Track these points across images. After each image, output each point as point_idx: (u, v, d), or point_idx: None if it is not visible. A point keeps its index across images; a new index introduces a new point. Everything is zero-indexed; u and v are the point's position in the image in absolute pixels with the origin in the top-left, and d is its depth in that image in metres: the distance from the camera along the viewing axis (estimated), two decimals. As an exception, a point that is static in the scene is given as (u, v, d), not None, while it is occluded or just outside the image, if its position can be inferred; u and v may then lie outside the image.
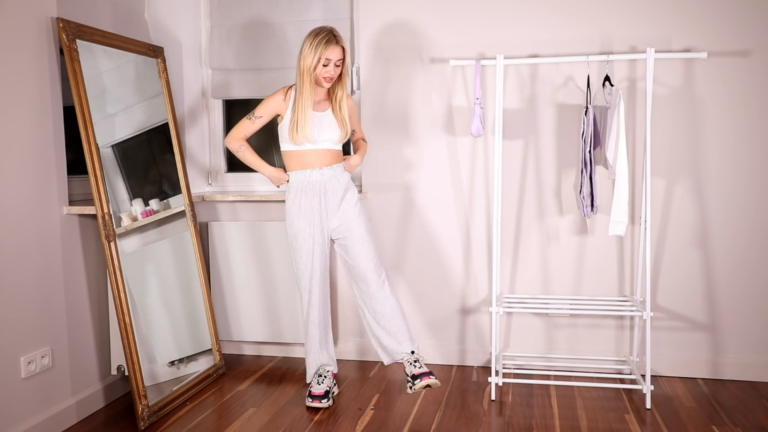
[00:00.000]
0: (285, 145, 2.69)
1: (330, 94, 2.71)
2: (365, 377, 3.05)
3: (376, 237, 3.10)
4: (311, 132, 2.62)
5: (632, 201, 2.96)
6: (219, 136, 3.51)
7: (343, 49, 2.59)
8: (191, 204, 3.08)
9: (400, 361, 2.70)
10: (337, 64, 2.58)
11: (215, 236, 3.34)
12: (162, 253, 2.89)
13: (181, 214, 3.03)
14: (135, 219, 2.71)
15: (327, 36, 2.55)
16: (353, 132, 2.82)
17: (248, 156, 2.75)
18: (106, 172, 2.55)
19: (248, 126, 2.73)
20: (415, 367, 2.62)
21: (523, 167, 3.07)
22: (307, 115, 2.60)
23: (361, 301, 2.74)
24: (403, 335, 2.69)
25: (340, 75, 2.65)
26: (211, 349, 3.09)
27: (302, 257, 2.69)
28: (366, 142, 2.90)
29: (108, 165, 2.60)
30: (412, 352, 2.69)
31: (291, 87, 2.68)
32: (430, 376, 2.56)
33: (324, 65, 2.56)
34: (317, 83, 2.62)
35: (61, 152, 2.53)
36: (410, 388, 2.59)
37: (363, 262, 2.68)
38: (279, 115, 2.70)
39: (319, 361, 2.79)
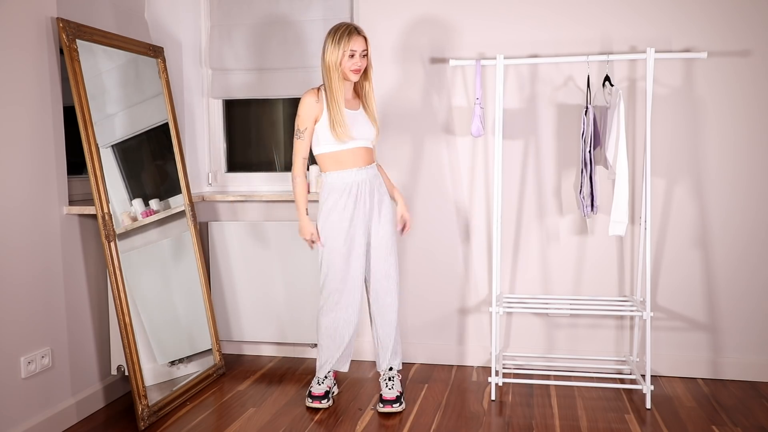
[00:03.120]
0: (321, 147, 2.64)
1: (357, 92, 2.68)
2: (365, 377, 3.05)
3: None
4: (351, 128, 2.58)
5: (632, 201, 2.96)
6: (219, 136, 3.51)
7: (366, 41, 2.58)
8: (191, 204, 3.08)
9: (379, 372, 2.78)
10: (363, 54, 2.57)
11: (215, 236, 3.33)
12: (162, 253, 2.89)
13: (181, 214, 3.03)
14: (135, 219, 2.71)
15: (348, 28, 2.56)
16: None
17: (297, 192, 2.67)
18: (106, 172, 2.55)
19: (299, 145, 2.64)
20: (388, 386, 2.67)
21: (523, 167, 3.07)
22: (343, 111, 2.57)
23: (370, 307, 2.76)
24: (390, 351, 2.75)
25: (367, 73, 2.63)
26: (211, 349, 3.09)
27: (336, 256, 2.62)
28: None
29: (108, 165, 2.60)
30: (390, 369, 2.74)
31: (319, 88, 2.63)
32: (394, 405, 2.62)
33: (350, 56, 2.55)
34: (345, 78, 2.59)
35: (61, 152, 2.53)
36: (377, 406, 2.67)
37: (378, 276, 2.69)
38: (316, 119, 2.62)
39: (335, 362, 2.77)
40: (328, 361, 2.75)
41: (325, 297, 2.68)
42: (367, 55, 2.59)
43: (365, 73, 2.65)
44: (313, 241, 2.67)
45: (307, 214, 2.68)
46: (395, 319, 2.73)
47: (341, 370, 2.82)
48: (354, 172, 2.63)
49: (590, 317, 3.07)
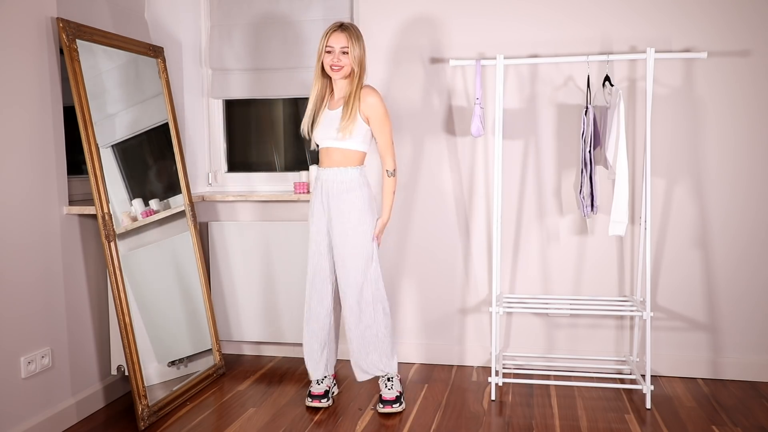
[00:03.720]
0: None
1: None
2: (365, 377, 3.05)
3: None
4: (316, 130, 2.64)
5: (632, 201, 2.96)
6: (219, 136, 3.51)
7: (350, 39, 2.54)
8: (191, 204, 3.08)
9: (375, 376, 2.73)
10: (344, 51, 2.55)
11: (215, 236, 3.34)
12: (162, 253, 2.89)
13: (181, 214, 3.03)
14: (135, 219, 2.71)
15: (334, 25, 2.58)
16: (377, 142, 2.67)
17: None
18: (106, 172, 2.55)
19: None
20: (387, 387, 2.67)
21: (523, 167, 3.07)
22: (311, 109, 2.64)
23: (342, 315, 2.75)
24: (357, 365, 2.69)
25: (353, 72, 2.58)
26: (211, 349, 3.09)
27: (309, 254, 2.72)
28: (392, 175, 2.65)
29: (108, 165, 2.60)
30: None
31: None
32: (393, 405, 2.61)
33: (327, 52, 2.56)
34: (330, 76, 2.61)
35: (61, 152, 2.53)
36: (377, 407, 2.66)
37: (342, 286, 2.66)
38: None
39: (316, 367, 2.75)
40: (307, 360, 2.75)
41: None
42: (348, 53, 2.55)
43: (353, 77, 2.58)
44: None
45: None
46: (354, 332, 2.64)
47: (311, 377, 2.76)
48: (323, 171, 2.65)
49: (590, 317, 3.07)
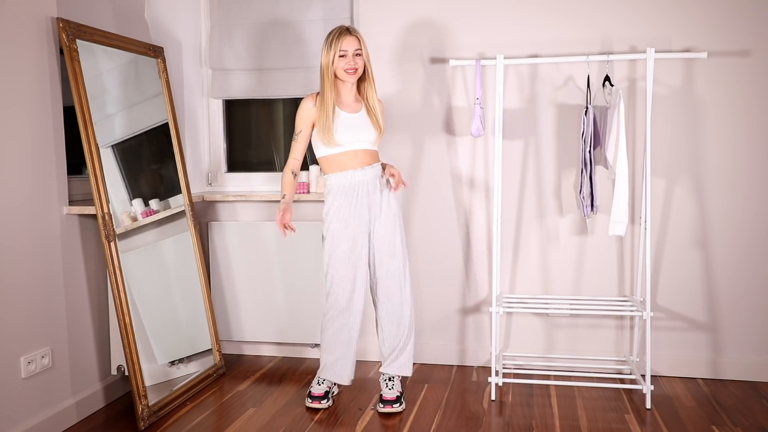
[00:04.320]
0: (320, 150, 2.65)
1: (361, 94, 2.67)
2: (365, 377, 3.05)
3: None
4: (344, 133, 2.58)
5: (632, 201, 2.96)
6: (219, 136, 3.51)
7: (360, 40, 2.57)
8: (191, 204, 3.08)
9: (380, 372, 2.76)
10: (357, 53, 2.56)
11: (215, 236, 3.34)
12: (162, 253, 2.89)
13: (181, 214, 3.03)
14: (135, 219, 2.71)
15: (340, 29, 2.58)
16: None
17: (282, 183, 2.69)
18: (106, 172, 2.55)
19: (293, 146, 2.68)
20: (388, 386, 2.68)
21: (523, 167, 3.07)
22: (332, 115, 2.58)
23: (377, 310, 2.73)
24: (405, 355, 2.71)
25: (366, 75, 2.62)
26: (211, 349, 3.09)
27: (340, 260, 2.62)
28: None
29: (108, 165, 2.60)
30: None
31: (319, 93, 2.64)
32: (394, 405, 2.62)
33: (341, 56, 2.55)
34: (341, 79, 2.60)
35: (61, 152, 2.53)
36: (377, 406, 2.67)
37: (383, 277, 2.66)
38: (313, 124, 2.64)
39: (350, 371, 2.73)
40: (333, 364, 2.70)
41: (331, 303, 2.66)
42: (361, 54, 2.58)
43: (365, 75, 2.63)
44: (286, 227, 2.62)
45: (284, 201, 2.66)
46: (407, 321, 2.68)
47: (343, 383, 2.72)
48: (353, 174, 2.61)
49: (590, 317, 3.07)
